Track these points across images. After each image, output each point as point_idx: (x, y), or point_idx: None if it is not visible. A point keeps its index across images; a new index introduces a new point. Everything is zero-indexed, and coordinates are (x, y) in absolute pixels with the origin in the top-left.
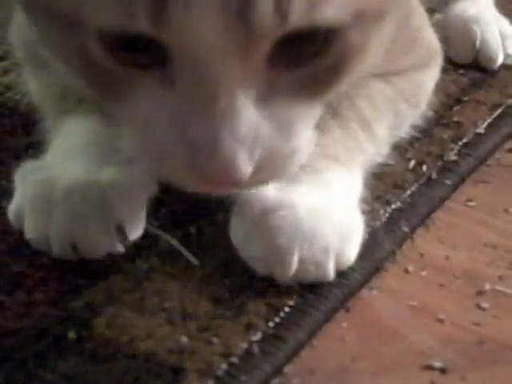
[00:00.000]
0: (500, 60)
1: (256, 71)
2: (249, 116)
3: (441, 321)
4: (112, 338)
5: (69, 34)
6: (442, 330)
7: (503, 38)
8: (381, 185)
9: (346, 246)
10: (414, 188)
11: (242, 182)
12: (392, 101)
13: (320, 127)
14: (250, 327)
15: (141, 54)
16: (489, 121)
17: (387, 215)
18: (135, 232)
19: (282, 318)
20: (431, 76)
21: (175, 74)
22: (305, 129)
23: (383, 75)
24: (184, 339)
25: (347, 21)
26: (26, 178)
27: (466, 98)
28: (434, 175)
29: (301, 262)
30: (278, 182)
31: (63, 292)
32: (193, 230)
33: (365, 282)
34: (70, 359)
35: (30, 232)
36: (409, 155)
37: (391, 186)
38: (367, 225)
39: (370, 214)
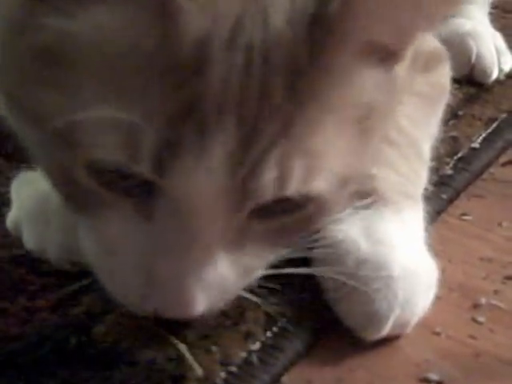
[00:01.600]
0: (495, 75)
1: (236, 226)
2: (218, 266)
3: (437, 333)
4: (112, 346)
5: (54, 146)
6: (438, 342)
7: (498, 53)
8: None
9: (428, 301)
10: None
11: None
12: (424, 110)
13: (379, 158)
14: (248, 336)
15: (125, 181)
16: (484, 135)
17: None
18: None
19: (280, 328)
20: (444, 71)
21: (157, 211)
22: (262, 269)
23: None
24: (183, 347)
25: (332, 189)
26: (22, 190)
27: (461, 113)
28: (430, 189)
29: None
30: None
31: (63, 299)
32: None
33: None
34: (70, 366)
35: (29, 244)
36: None
37: None
38: None
39: None
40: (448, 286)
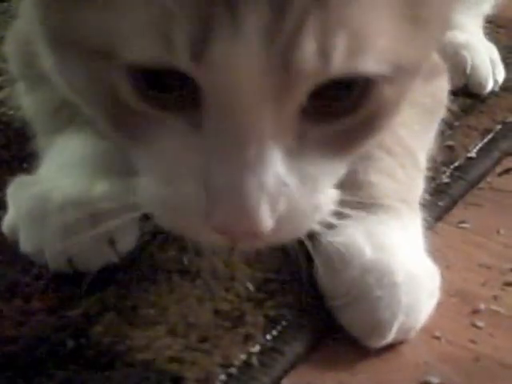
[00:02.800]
0: (490, 86)
1: (289, 121)
2: (277, 168)
3: (437, 338)
4: (110, 347)
5: (97, 70)
6: (438, 346)
7: (492, 65)
8: None
9: (431, 307)
10: None
11: (262, 235)
12: (422, 120)
13: (377, 166)
14: (248, 339)
15: (171, 94)
16: (480, 145)
17: None
18: (127, 244)
19: (279, 331)
20: (442, 84)
21: (205, 117)
22: (328, 186)
23: None
24: (184, 349)
25: (385, 73)
26: (20, 193)
27: (457, 124)
28: (427, 197)
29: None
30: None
31: (60, 301)
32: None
33: None
34: (68, 366)
35: (26, 247)
36: None
37: None
38: None
39: None
40: (447, 292)
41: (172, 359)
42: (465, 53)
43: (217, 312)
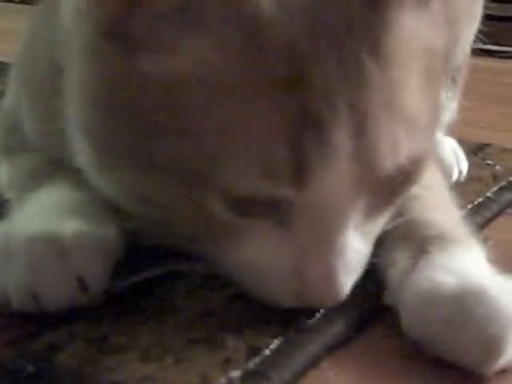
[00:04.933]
0: (455, 175)
1: (361, 206)
2: (354, 246)
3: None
4: (76, 369)
5: (181, 187)
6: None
7: (455, 156)
8: None
9: None
10: None
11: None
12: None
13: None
14: (228, 362)
15: (259, 205)
16: None
17: None
18: (98, 285)
19: (264, 357)
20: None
21: (293, 218)
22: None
23: None
24: (158, 370)
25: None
26: None
27: None
28: None
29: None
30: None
31: (24, 336)
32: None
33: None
34: None
35: None
36: None
37: None
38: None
39: None
40: None
41: (145, 378)
42: None
43: (194, 338)
